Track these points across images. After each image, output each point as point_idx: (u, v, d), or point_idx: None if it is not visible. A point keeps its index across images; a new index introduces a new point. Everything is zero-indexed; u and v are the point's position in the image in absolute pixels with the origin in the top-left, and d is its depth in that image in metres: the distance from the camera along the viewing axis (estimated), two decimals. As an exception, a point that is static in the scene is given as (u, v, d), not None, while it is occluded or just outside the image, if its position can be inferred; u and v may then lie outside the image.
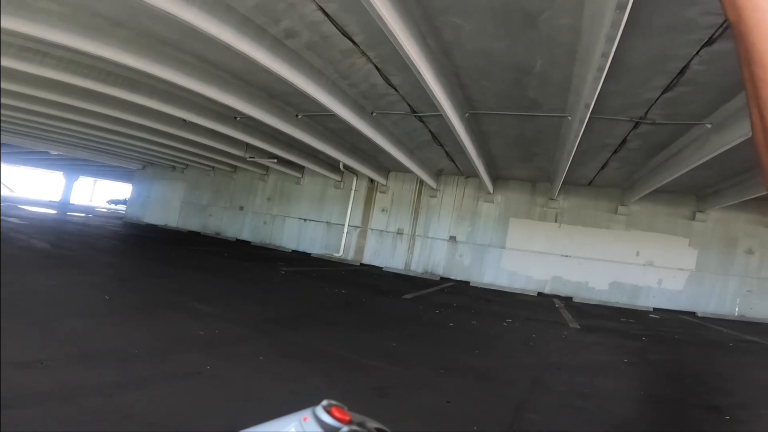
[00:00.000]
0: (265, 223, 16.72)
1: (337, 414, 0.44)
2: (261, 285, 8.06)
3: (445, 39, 5.04)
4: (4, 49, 6.47)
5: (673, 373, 5.00)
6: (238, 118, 9.68)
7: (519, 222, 12.68)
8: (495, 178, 12.52)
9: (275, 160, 13.51)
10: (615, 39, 3.66)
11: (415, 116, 8.17)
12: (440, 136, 9.35)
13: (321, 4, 4.73)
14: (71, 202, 36.07)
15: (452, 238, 13.33)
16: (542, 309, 9.34)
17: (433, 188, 13.48)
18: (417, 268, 13.57)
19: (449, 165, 12.10)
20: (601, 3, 3.62)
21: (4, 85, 8.06)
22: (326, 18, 4.96)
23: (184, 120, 9.70)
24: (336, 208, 15.13)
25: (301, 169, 15.20)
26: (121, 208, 31.85)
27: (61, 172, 35.68)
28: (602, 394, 3.82)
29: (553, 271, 12.15)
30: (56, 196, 36.46)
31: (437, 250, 13.47)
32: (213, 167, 17.71)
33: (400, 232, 14.00)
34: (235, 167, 17.07)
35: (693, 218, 11.15)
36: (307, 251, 15.28)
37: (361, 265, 14.00)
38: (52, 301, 4.54)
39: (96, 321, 4.06)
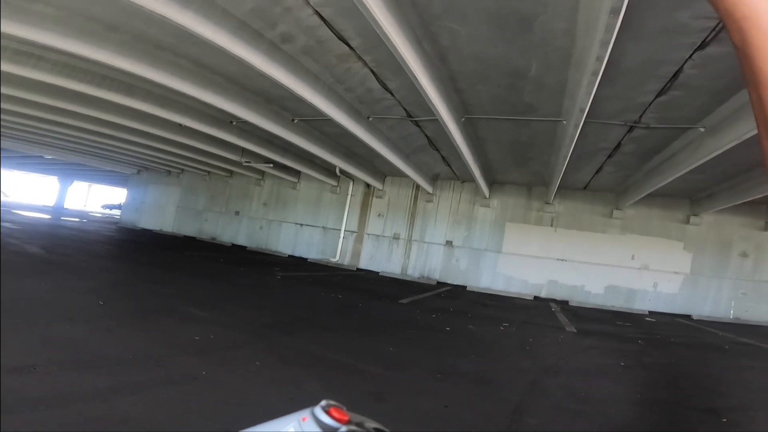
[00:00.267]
0: (261, 228, 16.67)
1: (335, 414, 0.44)
2: (257, 290, 8.01)
3: (441, 43, 5.07)
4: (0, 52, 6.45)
5: (670, 376, 5.01)
6: (234, 123, 9.68)
7: (515, 226, 12.71)
8: (491, 183, 12.56)
9: (271, 165, 13.49)
10: (609, 43, 3.69)
11: (411, 121, 8.19)
12: (436, 141, 9.38)
13: (317, 9, 4.75)
14: (65, 206, 35.84)
15: (449, 243, 13.34)
16: (538, 313, 9.34)
17: (429, 193, 13.50)
18: (413, 272, 13.56)
19: (445, 170, 12.13)
20: (596, 7, 3.65)
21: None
22: (322, 22, 4.98)
23: (180, 124, 9.68)
24: (332, 212, 15.11)
25: (297, 173, 15.20)
26: (116, 213, 31.67)
27: (56, 177, 35.50)
28: (599, 398, 3.82)
29: (549, 275, 12.18)
30: (50, 201, 36.25)
31: (434, 254, 13.47)
32: (209, 172, 17.68)
33: (396, 237, 14.00)
34: (231, 172, 17.04)
35: (687, 222, 11.23)
36: (304, 256, 15.24)
37: (358, 269, 13.98)
38: (45, 306, 4.49)
39: (90, 326, 4.02)
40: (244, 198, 17.27)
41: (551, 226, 12.37)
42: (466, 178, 12.31)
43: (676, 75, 5.04)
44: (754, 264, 10.88)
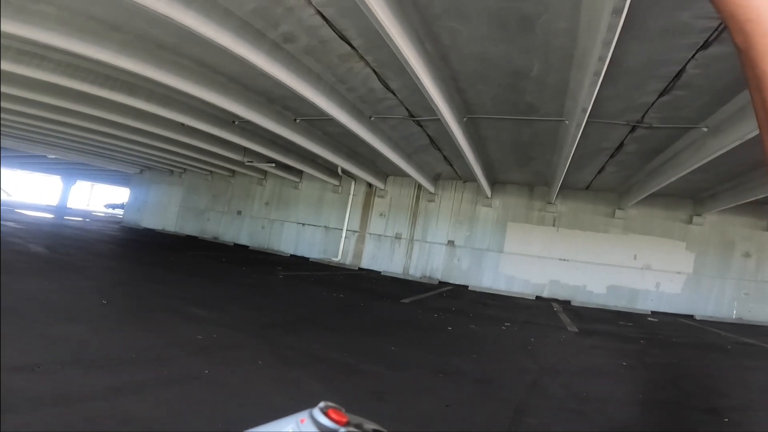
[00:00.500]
0: (263, 227, 16.69)
1: (334, 416, 0.44)
2: (259, 290, 8.03)
3: (443, 43, 5.07)
4: (3, 52, 6.47)
5: (672, 376, 5.00)
6: (237, 123, 9.69)
7: (517, 226, 12.70)
8: (493, 183, 12.55)
9: (273, 165, 13.51)
10: (611, 43, 3.69)
11: (413, 120, 8.19)
12: (438, 141, 9.38)
13: (319, 9, 4.76)
14: (68, 206, 35.96)
15: (450, 243, 13.33)
16: (540, 313, 9.33)
17: (431, 192, 13.50)
18: (415, 272, 13.56)
19: (447, 169, 12.13)
20: (598, 7, 3.65)
21: (3, 89, 8.05)
22: (324, 22, 4.98)
23: (182, 124, 9.70)
24: (334, 212, 15.12)
25: (299, 173, 15.21)
26: (119, 212, 31.76)
27: (59, 176, 35.62)
28: (601, 398, 3.82)
29: (551, 275, 12.16)
30: (53, 200, 36.37)
31: (435, 254, 13.47)
32: (211, 172, 17.71)
33: (398, 237, 14.00)
34: (233, 172, 17.07)
35: (690, 222, 11.19)
36: (306, 256, 15.25)
37: (360, 269, 13.98)
38: (48, 305, 4.51)
39: (93, 325, 4.04)
40: (246, 197, 17.30)
41: (553, 225, 12.35)
42: (468, 177, 12.30)
43: (678, 75, 5.03)
44: (757, 264, 10.85)
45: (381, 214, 14.36)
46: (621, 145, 7.87)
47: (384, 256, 14.07)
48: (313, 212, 15.60)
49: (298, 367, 3.70)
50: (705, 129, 6.39)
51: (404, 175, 12.39)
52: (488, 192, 12.28)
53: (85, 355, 3.25)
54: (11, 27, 5.04)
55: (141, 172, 21.14)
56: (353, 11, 4.19)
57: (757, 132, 0.42)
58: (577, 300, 11.68)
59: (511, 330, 6.88)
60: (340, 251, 14.68)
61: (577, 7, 4.00)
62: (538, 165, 10.28)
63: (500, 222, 12.87)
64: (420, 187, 13.54)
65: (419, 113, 7.76)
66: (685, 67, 4.83)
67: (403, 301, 8.51)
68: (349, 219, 14.73)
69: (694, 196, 10.93)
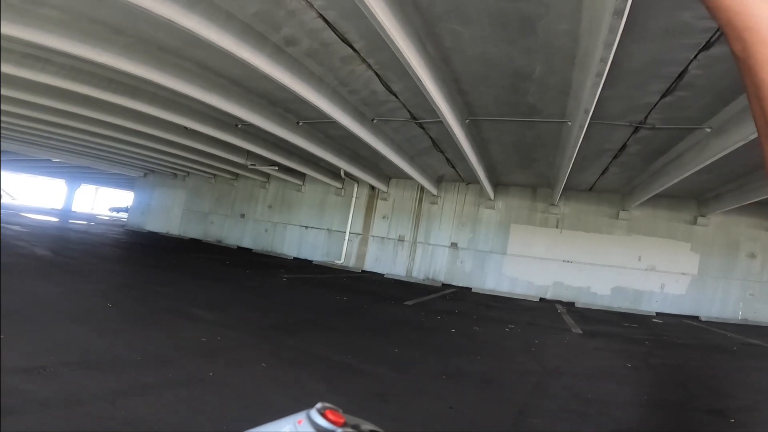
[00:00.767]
0: (266, 230, 16.73)
1: (331, 417, 0.44)
2: (263, 292, 8.05)
3: (445, 45, 5.08)
4: (7, 56, 6.50)
5: (677, 378, 4.97)
6: (239, 126, 9.73)
7: (520, 228, 12.68)
8: (495, 185, 12.54)
9: (276, 168, 13.55)
10: (613, 44, 3.69)
11: (415, 123, 8.21)
12: (441, 143, 9.38)
13: (321, 12, 4.78)
14: (73, 209, 36.15)
15: (453, 245, 13.32)
16: (544, 314, 9.30)
17: (433, 195, 13.50)
18: (418, 274, 13.55)
19: (450, 171, 12.13)
20: (599, 8, 3.65)
21: (7, 92, 8.10)
22: (326, 25, 5.01)
23: (185, 127, 9.75)
24: (337, 215, 15.14)
25: (302, 176, 15.25)
26: (123, 215, 31.90)
27: (63, 180, 35.82)
28: (605, 399, 3.80)
29: (555, 277, 12.12)
30: (58, 204, 36.57)
31: (438, 256, 13.46)
32: (214, 175, 17.78)
33: (401, 239, 14.00)
34: (236, 175, 17.12)
35: (694, 223, 11.15)
36: (309, 258, 15.27)
37: (363, 272, 13.99)
38: (54, 308, 4.54)
39: (98, 328, 4.06)
40: (249, 201, 17.34)
41: (556, 227, 12.32)
42: (471, 179, 12.30)
43: (681, 75, 5.02)
44: (762, 265, 10.78)
45: (384, 217, 14.37)
46: (624, 146, 7.86)
47: (387, 259, 14.07)
48: (316, 215, 15.62)
49: (302, 369, 3.71)
50: (708, 129, 6.38)
51: (407, 177, 12.40)
52: (491, 194, 12.27)
53: (90, 357, 3.27)
54: (14, 30, 5.05)
55: (145, 175, 21.24)
56: (355, 14, 4.21)
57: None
58: (581, 302, 11.64)
59: (515, 332, 6.87)
60: (343, 254, 14.69)
61: (578, 8, 4.00)
62: (541, 167, 10.27)
63: (503, 224, 12.85)
64: (423, 189, 13.54)
65: (421, 115, 7.77)
66: (687, 67, 4.82)
67: (406, 303, 8.50)
68: (352, 222, 14.74)
69: (698, 197, 10.89)
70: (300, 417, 0.45)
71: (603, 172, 9.94)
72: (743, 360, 6.38)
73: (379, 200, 14.50)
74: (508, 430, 2.96)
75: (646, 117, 6.44)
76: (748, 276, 10.83)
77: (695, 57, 4.57)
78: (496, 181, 12.42)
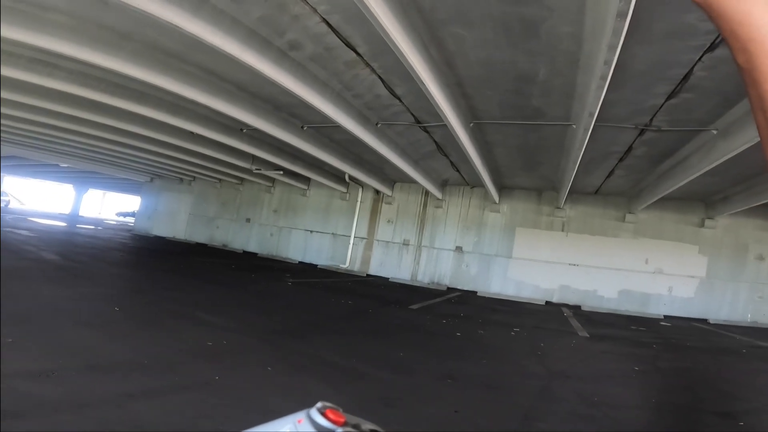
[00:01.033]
0: (271, 234, 16.79)
1: (331, 416, 0.44)
2: (268, 296, 8.07)
3: (448, 49, 5.10)
4: (15, 60, 6.56)
5: (685, 380, 4.92)
6: (244, 130, 9.79)
7: (525, 231, 12.63)
8: (500, 188, 12.52)
9: (281, 172, 13.61)
10: (617, 47, 3.68)
11: (419, 126, 8.22)
12: (445, 147, 9.39)
13: (325, 16, 4.82)
14: (81, 214, 36.46)
15: (458, 249, 13.30)
16: (550, 318, 9.25)
17: (438, 199, 13.49)
18: (423, 278, 13.53)
19: (454, 175, 12.12)
20: (602, 11, 3.65)
21: (15, 97, 8.16)
22: (330, 30, 5.04)
23: (191, 132, 9.83)
24: (342, 219, 15.17)
25: (306, 180, 15.30)
26: (130, 220, 32.13)
27: (71, 185, 36.16)
28: (612, 402, 3.77)
29: (561, 280, 12.06)
30: (66, 209, 36.90)
31: (443, 260, 13.43)
32: (220, 179, 17.88)
33: (406, 243, 14.00)
34: (241, 179, 17.22)
35: (702, 225, 11.06)
36: (314, 263, 15.30)
37: (368, 276, 13.98)
38: (62, 312, 4.58)
39: (106, 332, 4.09)
40: (254, 205, 17.43)
41: (562, 230, 12.27)
42: (476, 183, 12.28)
43: (686, 77, 5.00)
44: (771, 267, 10.68)
45: (389, 221, 14.38)
46: (630, 148, 7.82)
47: (392, 263, 14.06)
48: (321, 219, 15.66)
49: (307, 373, 3.71)
50: (714, 131, 6.34)
51: (411, 181, 12.41)
52: (496, 197, 12.25)
53: (97, 360, 3.29)
54: (22, 35, 5.10)
55: (151, 180, 21.41)
56: (358, 18, 4.24)
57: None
58: (588, 305, 11.56)
59: (521, 335, 6.83)
60: (348, 258, 14.70)
61: (581, 10, 4.01)
62: (546, 170, 10.24)
63: (508, 227, 12.81)
64: (427, 193, 13.54)
65: (425, 119, 7.79)
66: (692, 69, 4.81)
67: (411, 307, 8.49)
68: (357, 226, 14.76)
69: (706, 199, 10.81)
70: (300, 416, 0.45)
71: (609, 175, 9.89)
72: (752, 363, 6.30)
73: (383, 204, 14.52)
74: (514, 434, 2.95)
75: (651, 119, 6.41)
76: (756, 278, 10.72)
77: (700, 59, 4.55)
78: (501, 184, 12.40)
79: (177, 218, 19.87)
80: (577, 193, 11.60)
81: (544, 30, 4.42)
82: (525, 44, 4.79)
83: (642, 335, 7.94)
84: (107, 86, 7.59)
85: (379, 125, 8.16)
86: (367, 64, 5.91)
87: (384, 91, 6.76)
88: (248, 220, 17.52)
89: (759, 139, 0.41)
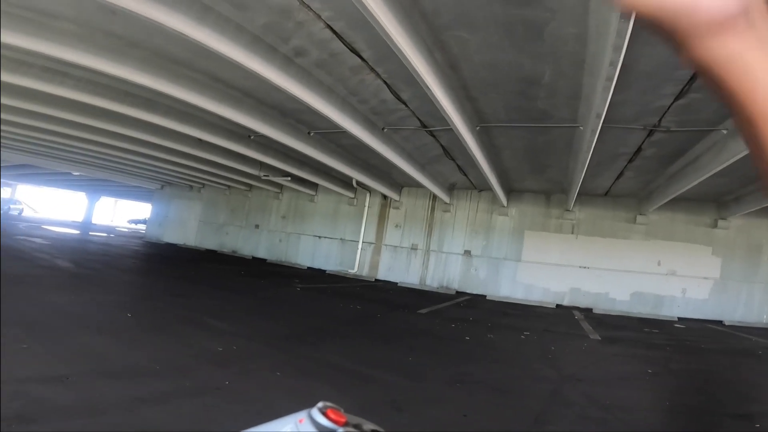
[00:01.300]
0: (280, 240, 16.88)
1: (332, 416, 0.44)
2: (277, 302, 8.10)
3: (452, 53, 5.11)
4: (26, 69, 6.65)
5: (700, 383, 4.84)
6: (252, 137, 9.88)
7: (534, 234, 12.55)
8: (508, 191, 12.47)
9: (289, 178, 13.70)
10: (622, 48, 3.67)
11: (425, 131, 8.24)
12: (452, 150, 9.39)
13: (329, 22, 4.86)
14: (93, 222, 36.97)
15: (467, 252, 13.25)
16: (561, 321, 9.16)
17: (446, 203, 13.47)
18: (432, 282, 13.49)
19: (462, 179, 12.10)
20: (606, 12, 3.65)
21: (28, 106, 8.26)
22: (334, 36, 5.09)
23: (200, 139, 9.94)
24: (350, 224, 15.20)
25: (314, 186, 15.38)
26: (141, 227, 32.51)
27: (84, 193, 36.69)
28: (625, 405, 3.72)
29: (572, 283, 11.94)
30: (79, 217, 37.44)
31: (452, 264, 13.39)
32: (229, 186, 18.04)
33: (414, 248, 13.98)
34: (250, 186, 17.35)
35: (715, 226, 10.90)
36: (322, 268, 15.33)
37: (376, 280, 13.98)
38: (76, 318, 4.65)
39: (118, 337, 4.15)
40: (263, 211, 17.54)
41: (572, 233, 12.17)
42: (483, 187, 12.24)
43: (693, 78, 4.96)
44: (787, 268, 10.48)
45: (396, 226, 14.38)
46: (639, 149, 7.75)
47: (400, 267, 14.05)
48: (329, 225, 15.71)
49: (316, 378, 3.72)
50: (725, 131, 6.27)
51: (419, 185, 12.39)
52: (504, 201, 12.20)
53: (111, 366, 3.34)
54: (33, 44, 5.16)
55: (162, 187, 21.67)
56: (362, 23, 4.27)
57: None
58: (600, 307, 11.43)
59: (531, 339, 6.77)
60: (357, 263, 14.71)
61: (584, 12, 4.00)
62: (554, 172, 10.18)
63: (517, 231, 12.74)
64: (435, 197, 13.53)
65: (431, 123, 7.80)
66: (699, 69, 4.76)
67: (420, 311, 8.47)
68: (365, 231, 14.78)
69: (718, 199, 10.66)
70: (301, 416, 0.45)
71: (618, 177, 9.81)
72: (769, 366, 6.18)
73: (391, 209, 14.53)
74: (524, 438, 2.92)
75: (660, 120, 6.36)
76: (772, 279, 10.53)
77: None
78: (509, 187, 12.35)
79: (187, 225, 20.07)
80: (586, 195, 11.50)
81: (548, 32, 4.42)
82: (529, 46, 4.79)
83: (655, 337, 7.83)
84: (117, 94, 7.66)
85: (385, 130, 8.19)
86: (372, 69, 5.95)
87: (389, 96, 6.79)
88: (257, 226, 17.63)
89: None
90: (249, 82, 6.56)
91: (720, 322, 10.47)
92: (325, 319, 6.74)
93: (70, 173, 22.57)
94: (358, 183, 13.21)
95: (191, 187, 19.92)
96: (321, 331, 5.81)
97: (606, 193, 11.57)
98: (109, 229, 29.75)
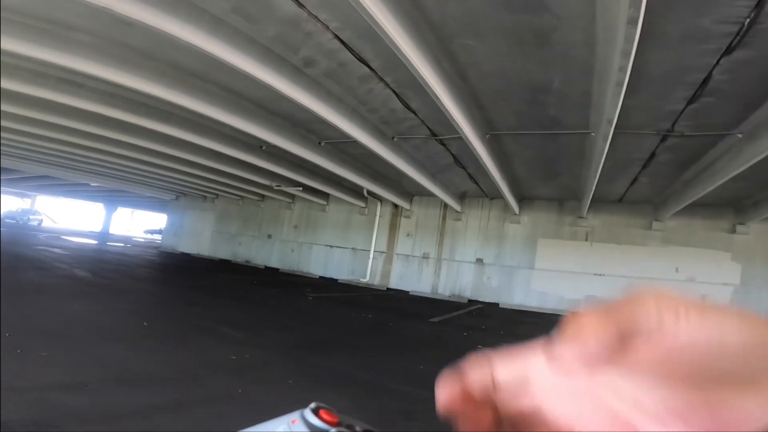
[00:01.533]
0: (292, 250, 17.00)
1: (325, 416, 0.43)
2: (289, 311, 8.14)
3: (460, 61, 5.15)
4: (43, 80, 6.82)
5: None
6: (264, 147, 10.02)
7: (548, 242, 12.44)
8: (520, 199, 12.39)
9: (301, 188, 13.83)
10: (630, 53, 3.67)
11: (435, 140, 8.26)
12: (462, 159, 9.39)
13: (337, 33, 4.95)
14: (110, 232, 37.66)
15: (479, 261, 13.17)
16: (576, 330, 9.00)
17: (457, 211, 13.44)
18: (444, 291, 13.42)
19: (473, 187, 12.07)
20: (613, 18, 3.65)
21: (46, 117, 8.44)
22: (342, 46, 5.17)
23: (213, 150, 10.10)
24: (361, 234, 15.25)
25: (326, 196, 15.49)
26: (157, 237, 33.02)
27: (101, 204, 37.46)
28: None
29: (587, 290, 11.77)
30: (97, 227, 38.18)
31: (464, 272, 13.31)
32: (242, 197, 18.28)
33: (425, 256, 13.95)
34: (262, 196, 17.56)
35: (733, 231, 10.68)
36: (334, 277, 15.37)
37: (388, 289, 13.95)
38: (94, 326, 4.74)
39: (135, 346, 4.21)
40: (275, 221, 17.71)
41: (586, 240, 12.03)
42: (495, 195, 12.19)
43: (705, 81, 4.91)
44: (810, 274, 10.19)
45: (408, 235, 14.38)
46: (653, 155, 7.66)
47: (412, 276, 14.02)
48: (341, 234, 15.78)
49: (328, 386, 3.73)
50: (740, 135, 6.17)
51: (429, 194, 12.41)
52: (516, 209, 12.13)
53: (127, 373, 3.39)
54: (49, 55, 5.29)
55: (177, 198, 22.03)
56: (369, 34, 4.33)
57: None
58: (615, 316, 11.22)
59: (545, 348, 6.68)
60: (368, 272, 14.73)
61: (591, 18, 4.01)
62: (566, 179, 10.11)
63: (530, 238, 12.64)
64: (446, 206, 13.51)
65: (441, 132, 7.82)
66: (711, 73, 4.72)
67: (431, 320, 8.42)
68: (376, 240, 14.81)
69: (736, 204, 10.45)
70: (294, 416, 0.45)
71: (633, 183, 9.69)
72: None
73: (402, 218, 14.55)
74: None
75: (673, 125, 6.29)
76: (794, 286, 10.25)
77: (717, 62, 4.48)
78: (521, 195, 12.28)
79: (201, 235, 20.35)
80: (600, 202, 11.37)
81: (556, 39, 4.44)
82: (537, 53, 4.81)
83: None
84: (133, 106, 7.81)
85: (395, 139, 8.24)
86: (381, 79, 6.01)
87: (398, 105, 6.84)
88: (270, 236, 17.80)
89: None
90: (260, 92, 6.68)
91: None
92: (337, 328, 6.75)
93: (88, 184, 23.10)
94: (369, 192, 13.28)
95: (205, 197, 20.23)
96: (332, 340, 5.82)
97: (620, 200, 11.43)
98: (125, 239, 30.25)
